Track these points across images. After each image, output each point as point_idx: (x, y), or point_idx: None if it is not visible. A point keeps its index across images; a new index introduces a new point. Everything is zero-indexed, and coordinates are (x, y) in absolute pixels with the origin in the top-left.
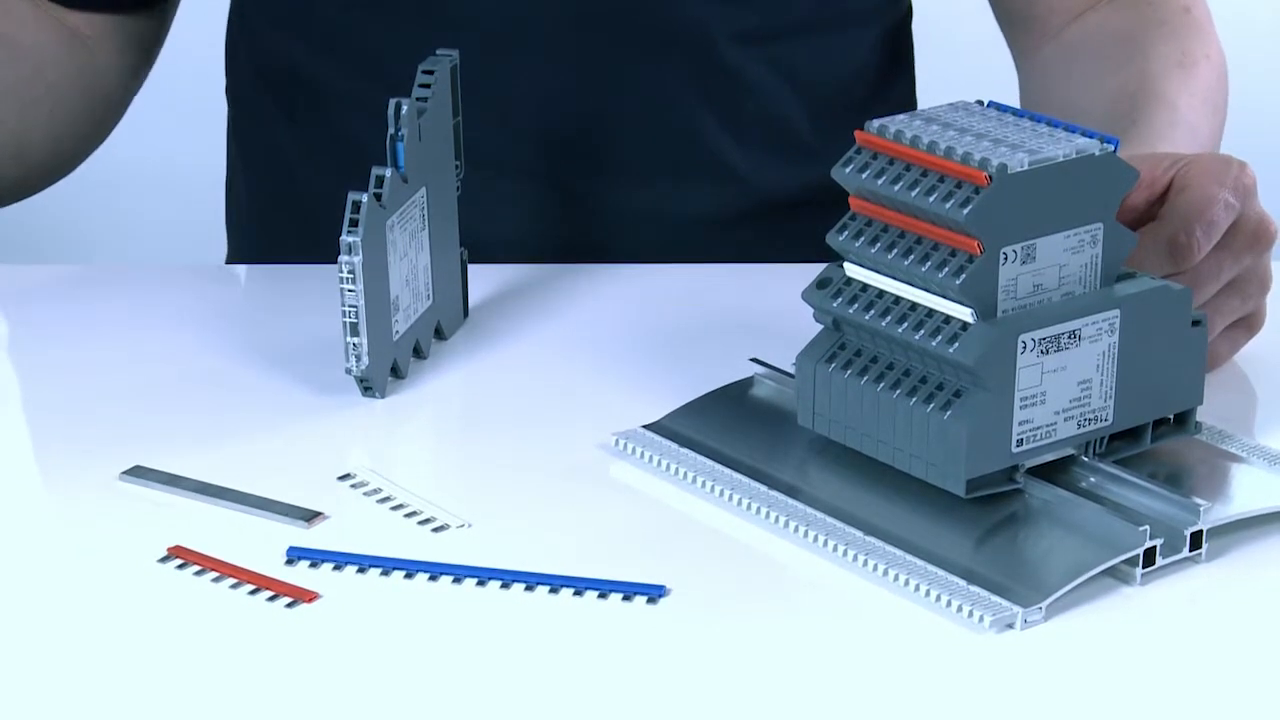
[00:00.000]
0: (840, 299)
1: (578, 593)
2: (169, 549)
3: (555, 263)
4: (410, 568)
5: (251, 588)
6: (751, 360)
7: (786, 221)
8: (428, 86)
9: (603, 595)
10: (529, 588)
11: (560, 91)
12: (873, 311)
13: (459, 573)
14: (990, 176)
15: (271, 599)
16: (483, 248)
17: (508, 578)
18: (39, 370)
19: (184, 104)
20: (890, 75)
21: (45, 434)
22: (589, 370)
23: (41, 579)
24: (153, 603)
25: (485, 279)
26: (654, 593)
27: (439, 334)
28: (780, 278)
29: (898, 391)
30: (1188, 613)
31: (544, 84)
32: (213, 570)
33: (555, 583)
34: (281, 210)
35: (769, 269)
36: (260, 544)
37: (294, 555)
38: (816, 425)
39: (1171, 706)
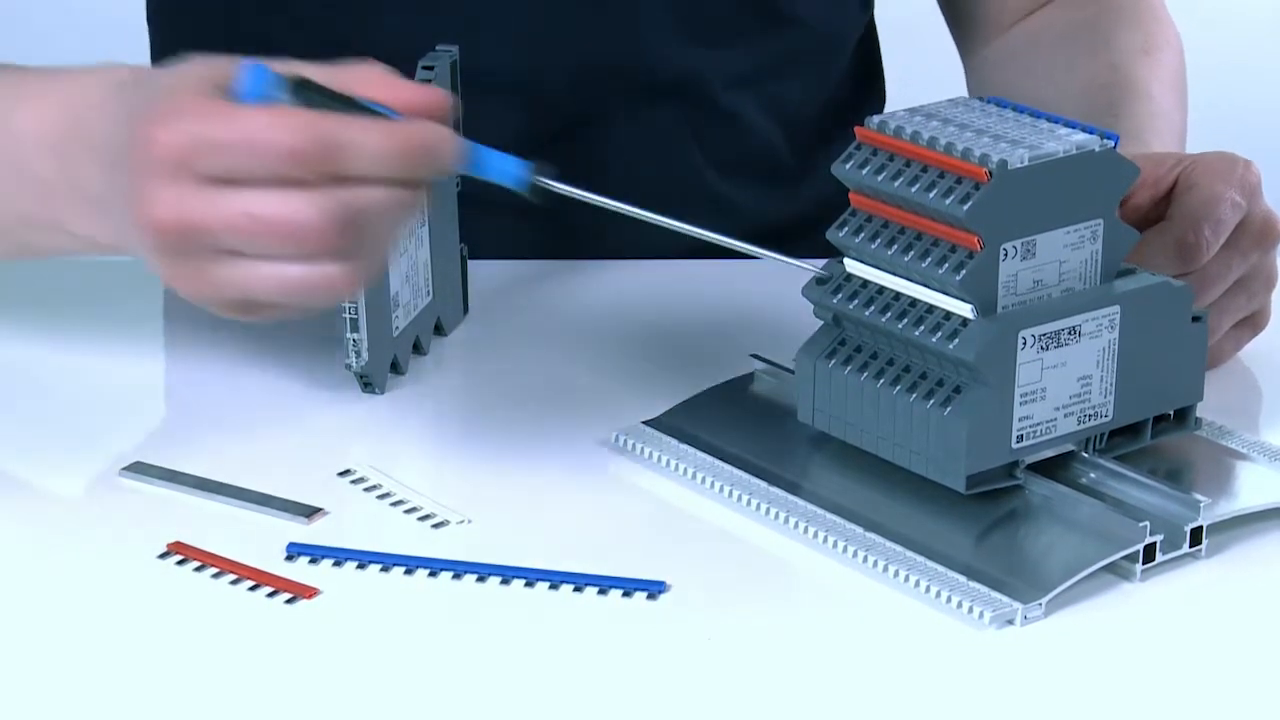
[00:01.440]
0: (840, 295)
1: (577, 589)
2: (169, 545)
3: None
4: (410, 564)
5: (251, 583)
6: (752, 356)
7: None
8: (429, 83)
9: (602, 591)
10: (529, 583)
11: (549, 133)
12: (873, 307)
13: (459, 569)
14: (990, 172)
15: (271, 595)
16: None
17: (508, 574)
18: (39, 366)
19: None
20: (865, 90)
21: (45, 430)
22: (589, 366)
23: (42, 575)
24: (153, 599)
25: (485, 275)
26: (653, 589)
27: (439, 330)
28: (780, 274)
29: (898, 387)
30: (1187, 609)
31: (533, 126)
32: (213, 566)
33: (555, 579)
34: None
35: (769, 265)
36: (260, 540)
37: (294, 551)
38: (816, 421)
39: (1171, 702)
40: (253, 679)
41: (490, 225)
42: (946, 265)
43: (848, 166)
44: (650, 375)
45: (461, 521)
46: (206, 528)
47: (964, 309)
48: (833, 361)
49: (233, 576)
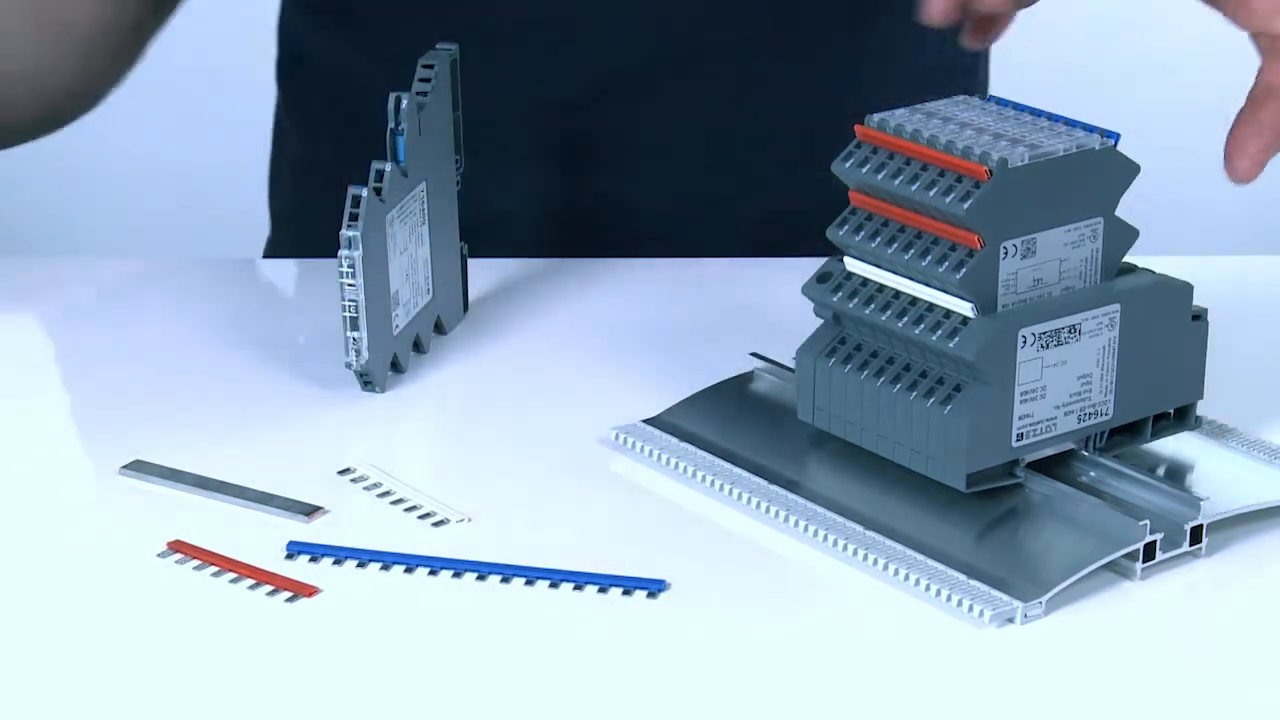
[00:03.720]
0: (840, 293)
1: (577, 587)
2: (169, 543)
3: (564, 247)
4: (410, 562)
5: (251, 582)
6: (751, 355)
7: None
8: (428, 80)
9: (602, 590)
10: (529, 582)
11: (594, 92)
12: (873, 306)
13: (459, 567)
14: (990, 171)
15: (271, 594)
16: (490, 232)
17: (508, 572)
18: (39, 364)
19: (188, 100)
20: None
21: (46, 428)
22: (589, 364)
23: (41, 573)
24: (153, 597)
25: (485, 273)
26: (654, 587)
27: (439, 328)
28: (780, 272)
29: (898, 386)
30: (1188, 607)
31: (577, 78)
32: (213, 565)
33: (555, 577)
34: (326, 195)
35: (769, 263)
36: (260, 538)
37: (294, 550)
38: (816, 420)
39: (1172, 701)
40: (253, 678)
41: (490, 224)
42: (946, 264)
43: (847, 165)
44: (650, 374)
45: (461, 520)
46: (206, 526)
47: (964, 307)
48: (832, 360)
49: (232, 575)
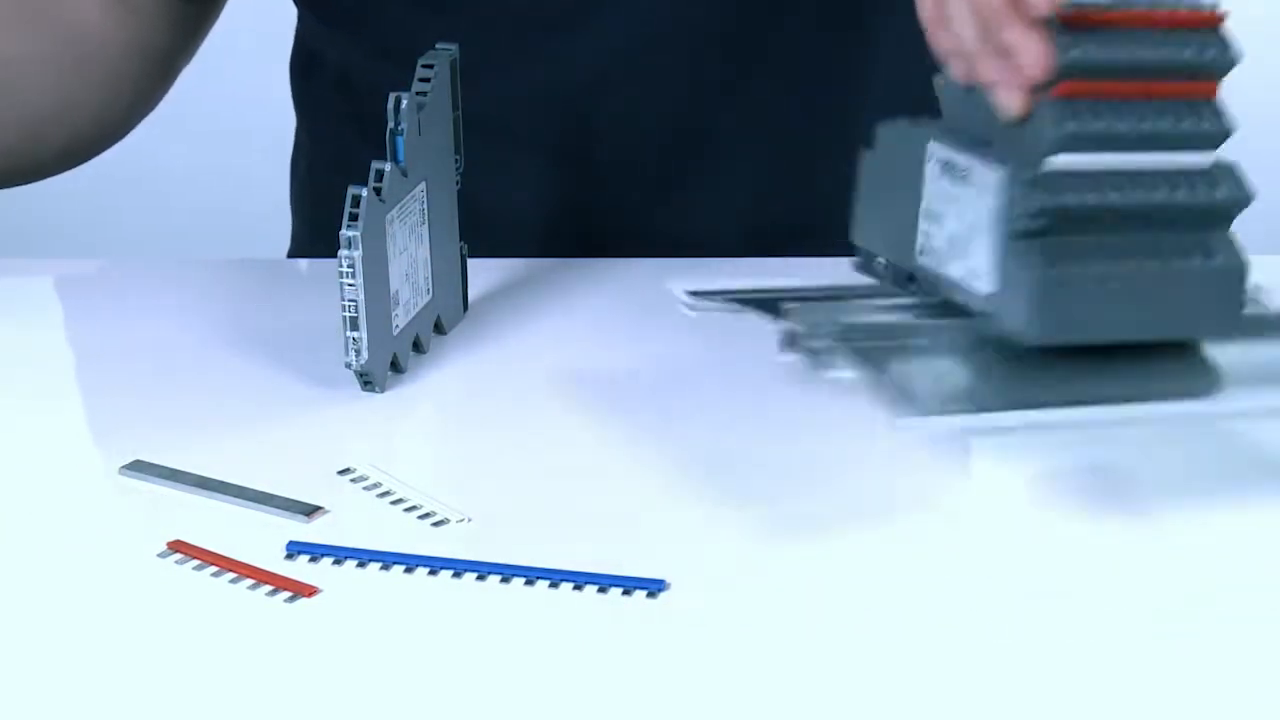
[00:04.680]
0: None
1: (577, 587)
2: (169, 543)
3: (565, 247)
4: (410, 562)
5: (251, 582)
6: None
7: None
8: (427, 80)
9: (602, 590)
10: (529, 582)
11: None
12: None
13: (459, 567)
14: (1220, 17)
15: (271, 594)
16: (490, 232)
17: (508, 572)
18: (39, 364)
19: (186, 101)
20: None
21: (45, 428)
22: (588, 365)
23: (41, 574)
24: (152, 597)
25: (485, 273)
26: (653, 587)
27: (439, 328)
28: (782, 273)
29: (1156, 260)
30: None
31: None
32: (212, 565)
33: (555, 577)
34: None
35: (769, 264)
36: (260, 538)
37: (294, 550)
38: (1059, 334)
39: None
40: (252, 678)
41: (490, 223)
42: (1190, 121)
43: (1068, 54)
44: (650, 373)
45: (461, 520)
46: (206, 526)
47: (1203, 161)
48: (1060, 265)
49: (232, 575)
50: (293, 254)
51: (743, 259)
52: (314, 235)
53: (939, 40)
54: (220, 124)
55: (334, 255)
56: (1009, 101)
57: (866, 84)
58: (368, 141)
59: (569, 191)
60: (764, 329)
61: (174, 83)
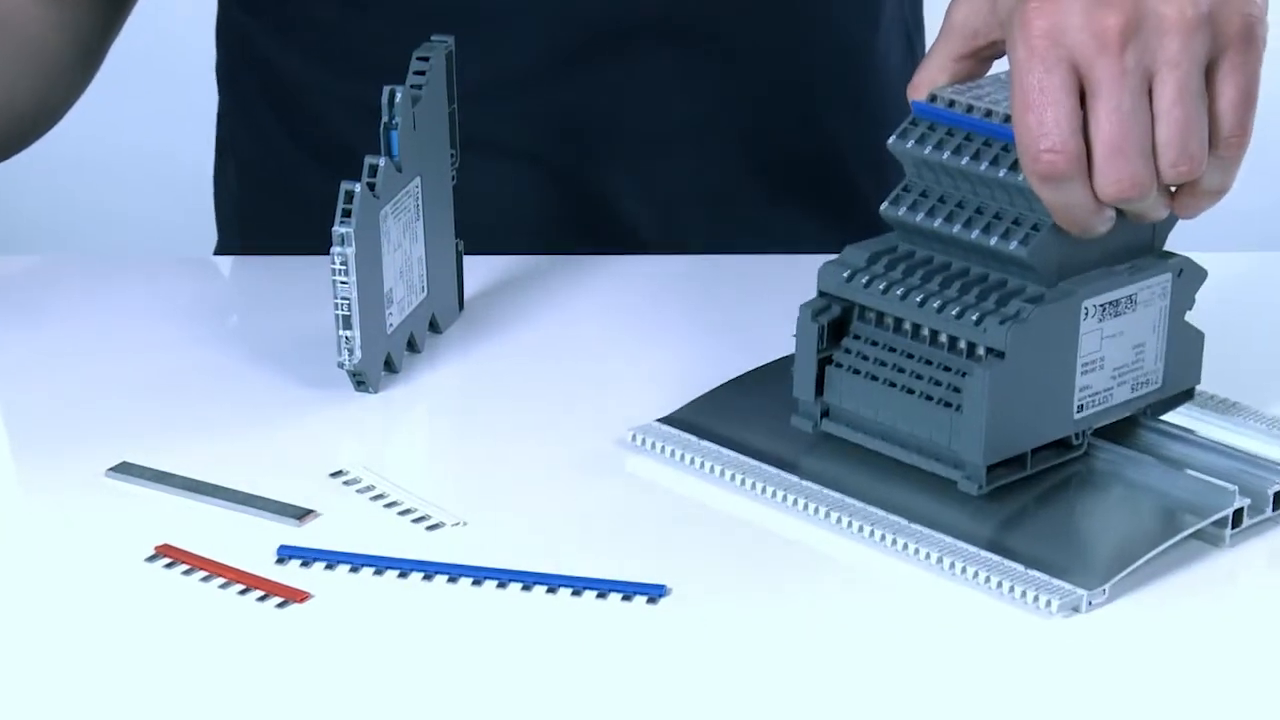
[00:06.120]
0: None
1: (576, 593)
2: (157, 547)
3: (561, 243)
4: (404, 567)
5: (241, 587)
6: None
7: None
8: (422, 74)
9: (601, 595)
10: (526, 587)
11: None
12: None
13: (454, 572)
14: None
15: (262, 599)
16: (485, 228)
17: (504, 577)
18: (23, 363)
19: (169, 93)
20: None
21: (30, 429)
22: (585, 364)
23: (26, 577)
24: (140, 603)
25: (481, 271)
26: (654, 593)
27: (433, 327)
28: (784, 269)
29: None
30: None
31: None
32: (202, 569)
33: (553, 582)
34: (273, 199)
35: (771, 261)
36: (251, 542)
37: (285, 554)
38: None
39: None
40: (243, 686)
41: (486, 220)
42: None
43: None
44: (648, 373)
45: (456, 524)
46: (195, 530)
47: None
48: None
49: (222, 580)
50: (220, 226)
51: (744, 255)
52: (241, 239)
53: (1118, 169)
54: (207, 117)
55: (254, 230)
56: (1158, 211)
57: (872, 51)
58: (300, 141)
59: (521, 190)
60: (764, 329)
61: (103, 61)
